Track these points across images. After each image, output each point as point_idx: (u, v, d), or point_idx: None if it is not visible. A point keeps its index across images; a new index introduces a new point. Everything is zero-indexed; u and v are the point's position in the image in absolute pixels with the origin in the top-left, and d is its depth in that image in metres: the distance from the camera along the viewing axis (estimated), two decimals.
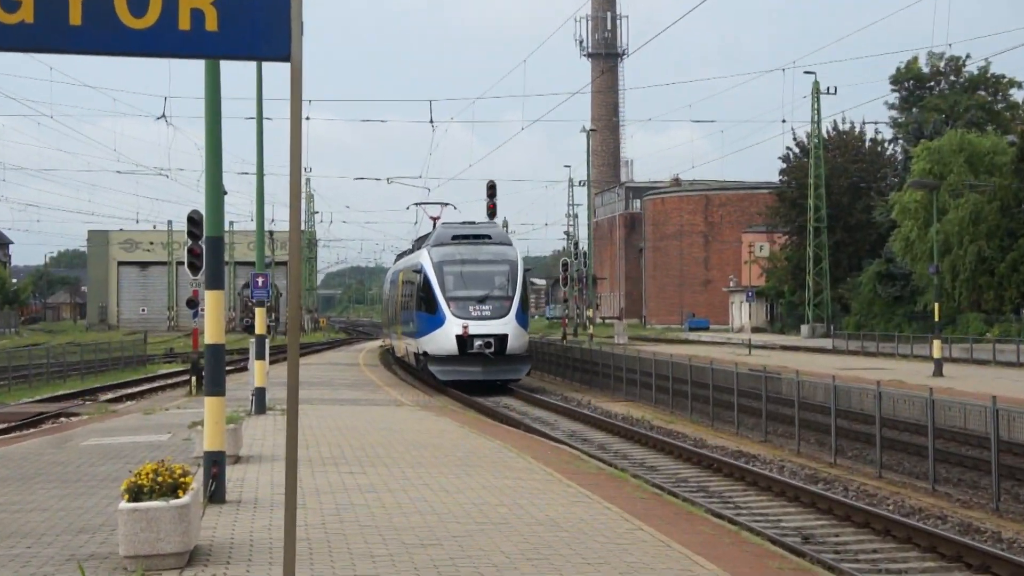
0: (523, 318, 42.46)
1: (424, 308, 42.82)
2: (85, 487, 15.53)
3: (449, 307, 41.61)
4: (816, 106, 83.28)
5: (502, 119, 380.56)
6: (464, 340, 41.18)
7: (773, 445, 27.20)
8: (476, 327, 41.28)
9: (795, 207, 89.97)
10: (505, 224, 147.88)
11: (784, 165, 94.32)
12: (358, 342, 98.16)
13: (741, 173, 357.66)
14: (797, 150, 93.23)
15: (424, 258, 43.73)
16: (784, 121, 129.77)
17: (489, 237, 44.75)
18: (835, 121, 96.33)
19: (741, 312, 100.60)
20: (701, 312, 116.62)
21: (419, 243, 50.38)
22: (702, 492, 20.52)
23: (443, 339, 41.48)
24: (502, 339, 41.35)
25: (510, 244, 45.08)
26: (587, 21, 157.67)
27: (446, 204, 59.04)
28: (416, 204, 57.23)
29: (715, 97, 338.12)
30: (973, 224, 69.89)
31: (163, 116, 56.28)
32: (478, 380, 41.14)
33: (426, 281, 42.62)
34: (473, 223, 48.05)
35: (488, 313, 41.65)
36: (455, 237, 44.50)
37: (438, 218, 55.72)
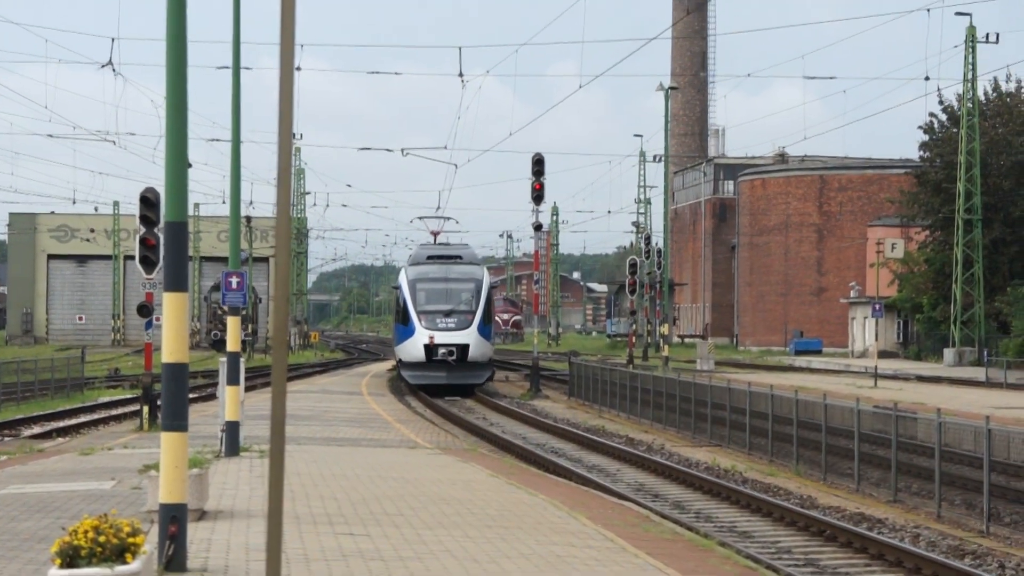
0: (485, 330, 60.02)
1: (401, 320, 61.26)
2: (3, 549, 15.67)
3: (420, 320, 59.24)
4: (971, 59, 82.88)
5: (553, 73, 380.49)
6: (431, 348, 58.67)
7: (905, 507, 27.13)
8: (441, 337, 58.59)
9: (940, 193, 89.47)
10: (555, 211, 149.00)
11: (926, 137, 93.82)
12: (361, 363, 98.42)
13: (868, 147, 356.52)
14: (944, 117, 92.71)
15: (402, 276, 62.82)
16: (927, 79, 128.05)
17: (460, 258, 64.21)
18: (996, 79, 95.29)
19: (865, 331, 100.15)
20: (812, 331, 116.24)
21: (408, 260, 68.85)
22: (811, 567, 20.53)
23: (413, 348, 59.30)
24: (464, 348, 58.86)
25: (478, 264, 65.69)
26: None
27: (448, 218, 78.38)
28: (419, 218, 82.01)
29: (835, 47, 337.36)
30: None
31: (109, 63, 56.30)
32: (443, 384, 58.62)
33: (403, 296, 60.97)
34: (448, 244, 70.47)
35: (453, 325, 59.08)
36: (430, 257, 63.91)
37: (439, 232, 74.55)
